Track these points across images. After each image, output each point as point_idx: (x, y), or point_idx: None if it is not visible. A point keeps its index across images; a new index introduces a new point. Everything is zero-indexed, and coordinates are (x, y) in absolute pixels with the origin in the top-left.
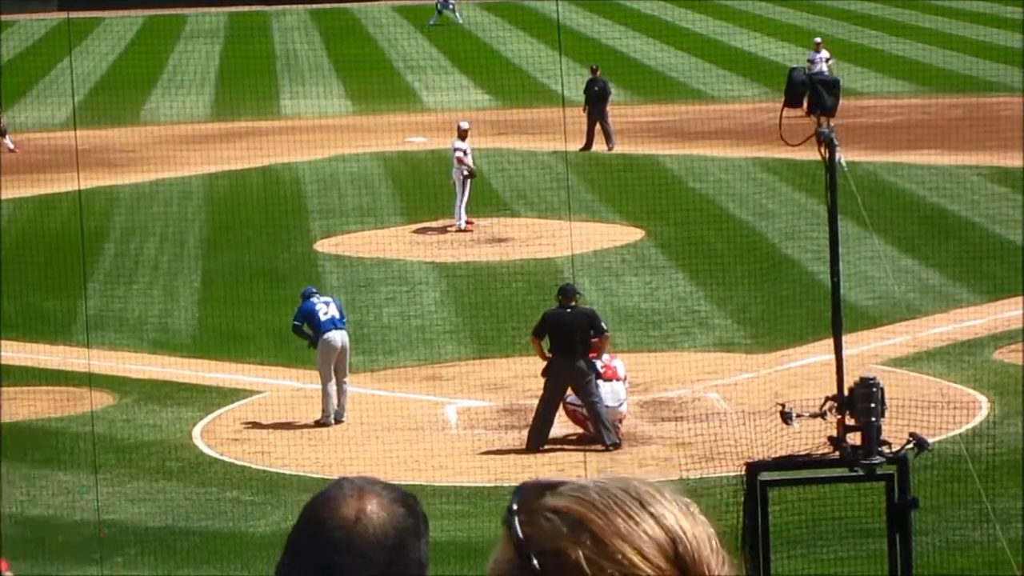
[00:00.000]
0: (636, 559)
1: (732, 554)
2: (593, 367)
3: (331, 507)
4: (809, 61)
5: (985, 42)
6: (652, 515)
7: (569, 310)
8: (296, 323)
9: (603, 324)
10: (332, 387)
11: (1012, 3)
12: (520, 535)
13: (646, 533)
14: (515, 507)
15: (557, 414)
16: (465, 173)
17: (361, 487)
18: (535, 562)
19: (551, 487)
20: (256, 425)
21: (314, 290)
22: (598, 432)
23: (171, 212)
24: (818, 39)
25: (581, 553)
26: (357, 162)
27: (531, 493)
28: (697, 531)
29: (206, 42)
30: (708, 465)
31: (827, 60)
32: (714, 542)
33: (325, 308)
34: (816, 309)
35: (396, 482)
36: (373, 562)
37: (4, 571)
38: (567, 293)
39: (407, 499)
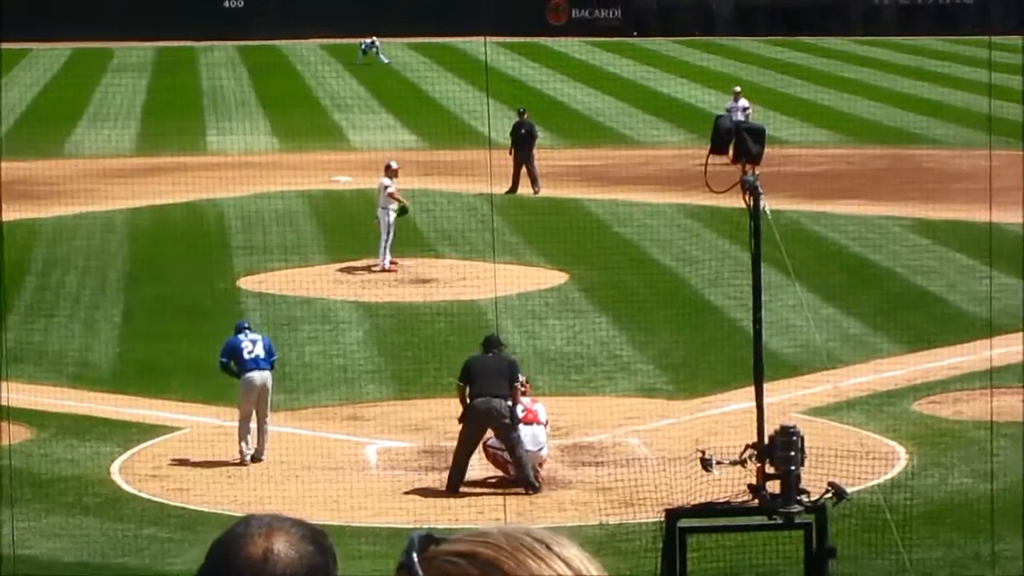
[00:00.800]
0: None
1: None
2: (513, 412)
3: (239, 546)
4: (727, 109)
5: (909, 94)
6: (560, 557)
7: (491, 355)
8: (223, 360)
9: (520, 375)
10: (252, 426)
11: (936, 56)
12: None
13: (557, 573)
14: (414, 553)
15: (478, 457)
16: (395, 209)
17: (269, 524)
18: None
19: (441, 539)
20: (175, 462)
21: (246, 324)
22: (520, 476)
23: (93, 246)
24: (737, 88)
25: None
26: (282, 200)
27: (426, 541)
28: None
29: (133, 76)
30: (628, 511)
31: (745, 110)
32: None
33: (251, 346)
34: (738, 356)
35: (314, 522)
36: None
37: None
38: (491, 342)
39: (316, 536)
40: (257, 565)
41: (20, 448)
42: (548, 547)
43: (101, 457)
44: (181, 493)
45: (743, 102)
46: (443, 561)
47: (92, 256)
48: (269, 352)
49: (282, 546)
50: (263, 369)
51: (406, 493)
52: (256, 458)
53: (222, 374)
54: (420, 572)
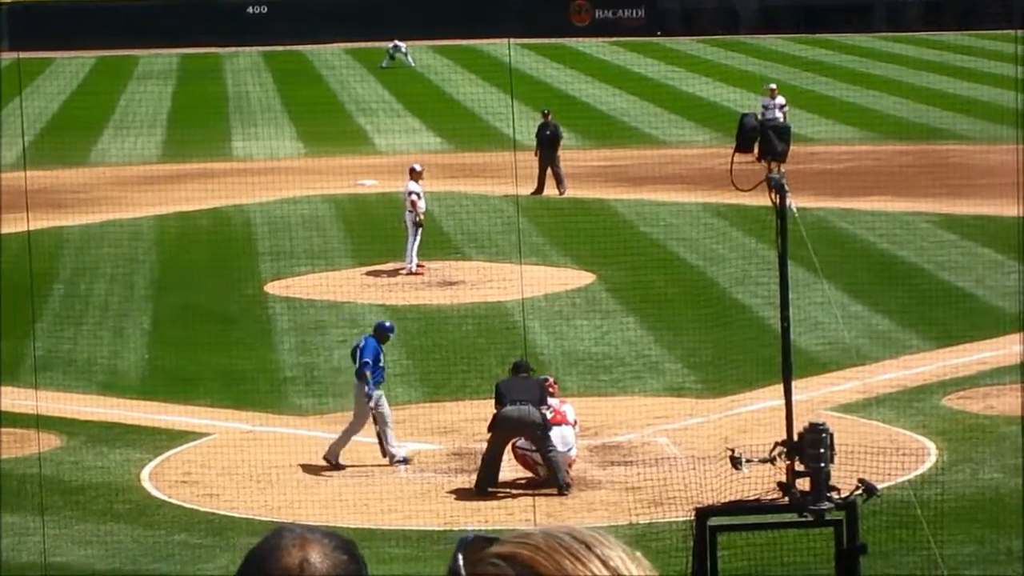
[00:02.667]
0: None
1: None
2: (545, 420)
3: (274, 557)
4: (763, 107)
5: (934, 90)
6: (598, 557)
7: (521, 376)
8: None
9: (547, 399)
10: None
11: (960, 51)
12: None
13: (593, 574)
14: (460, 556)
15: (507, 459)
16: (417, 220)
17: (302, 536)
18: None
19: (494, 539)
20: (205, 467)
21: (383, 325)
22: (554, 478)
23: (120, 253)
24: (773, 85)
25: None
26: (308, 204)
27: (475, 544)
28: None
29: (158, 83)
30: (657, 510)
31: (782, 107)
32: None
33: (356, 354)
34: (766, 354)
35: (345, 525)
36: None
37: None
38: (519, 366)
39: (348, 546)
40: (294, 575)
41: (50, 456)
42: (588, 547)
43: (131, 464)
44: (211, 499)
45: (780, 99)
46: (487, 564)
47: (119, 264)
48: (356, 362)
49: (317, 556)
50: (356, 377)
51: (436, 496)
52: (395, 462)
53: (251, 380)
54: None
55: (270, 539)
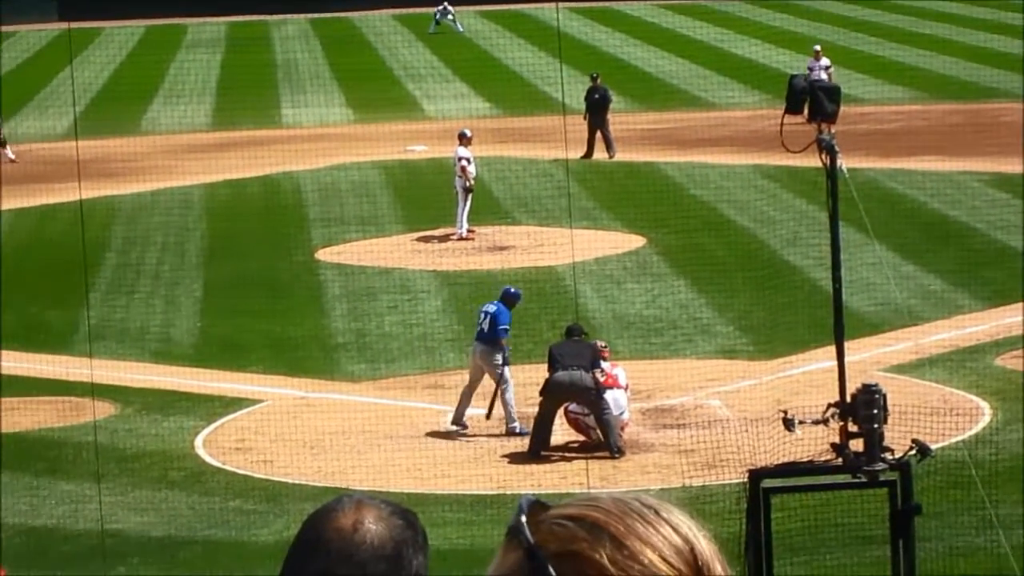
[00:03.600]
0: (658, 561)
1: (735, 561)
2: (598, 384)
3: (329, 518)
4: (808, 69)
5: (985, 48)
6: (668, 522)
7: (574, 340)
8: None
9: (599, 363)
10: (470, 394)
11: (1012, 9)
12: (531, 540)
13: (665, 538)
14: (523, 516)
15: (559, 422)
16: (467, 185)
17: (359, 500)
18: (550, 567)
19: (548, 505)
20: (258, 434)
21: (511, 291)
22: (608, 441)
23: (172, 222)
24: (818, 47)
25: (604, 554)
26: (358, 171)
27: (535, 506)
28: (708, 545)
29: (206, 51)
30: (711, 472)
31: (827, 68)
32: (722, 558)
33: (482, 317)
34: (818, 316)
35: (398, 491)
36: (371, 572)
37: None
38: (572, 330)
39: (406, 514)
40: (347, 536)
41: (105, 424)
42: (657, 512)
43: (185, 431)
44: (265, 465)
45: (824, 61)
46: (552, 524)
47: (171, 232)
48: (495, 324)
49: (371, 519)
50: (480, 341)
51: (488, 460)
52: (510, 431)
53: (303, 346)
54: (529, 535)
55: (329, 503)
